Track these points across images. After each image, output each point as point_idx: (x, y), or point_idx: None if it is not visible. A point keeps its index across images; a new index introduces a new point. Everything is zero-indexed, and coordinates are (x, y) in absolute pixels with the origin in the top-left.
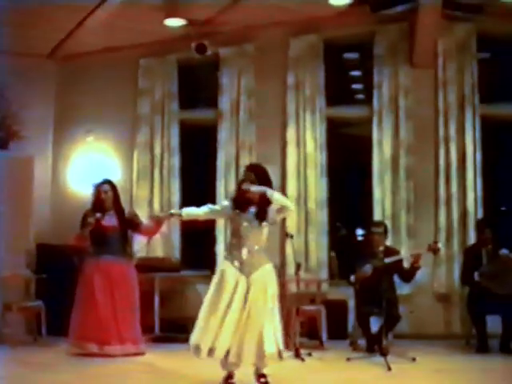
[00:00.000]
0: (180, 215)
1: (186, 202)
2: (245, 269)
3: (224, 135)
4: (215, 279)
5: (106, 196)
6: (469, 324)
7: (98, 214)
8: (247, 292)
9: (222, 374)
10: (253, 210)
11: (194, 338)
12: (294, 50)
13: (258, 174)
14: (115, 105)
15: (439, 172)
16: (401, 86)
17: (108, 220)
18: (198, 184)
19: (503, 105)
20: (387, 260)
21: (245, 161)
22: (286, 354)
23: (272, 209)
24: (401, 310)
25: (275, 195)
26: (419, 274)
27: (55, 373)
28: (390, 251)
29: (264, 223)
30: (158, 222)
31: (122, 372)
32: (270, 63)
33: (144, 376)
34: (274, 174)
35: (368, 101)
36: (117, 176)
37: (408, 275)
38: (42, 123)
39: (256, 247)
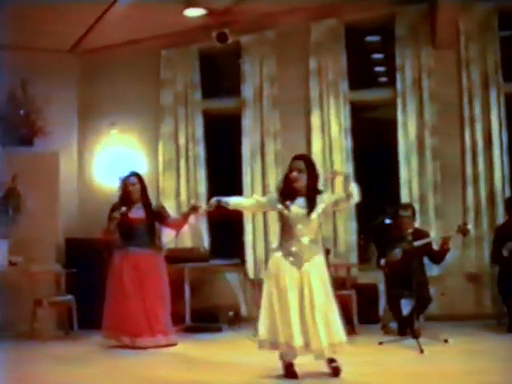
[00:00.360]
0: (227, 204)
1: (212, 191)
2: (296, 261)
3: (248, 123)
4: (269, 274)
5: (134, 188)
6: (500, 304)
7: (124, 208)
8: (303, 283)
9: (255, 361)
10: (302, 199)
11: (264, 334)
12: (315, 35)
13: (308, 162)
14: (138, 96)
15: (465, 152)
16: (423, 68)
17: (135, 212)
18: (223, 173)
19: None
20: (416, 243)
21: (269, 148)
22: None
23: (323, 198)
24: (431, 292)
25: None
26: (449, 255)
27: (87, 366)
28: (420, 233)
29: (314, 213)
30: (184, 215)
31: (154, 363)
32: (291, 49)
33: (176, 366)
34: None
35: (391, 83)
36: (142, 168)
37: (438, 257)
38: (65, 118)
39: (307, 238)
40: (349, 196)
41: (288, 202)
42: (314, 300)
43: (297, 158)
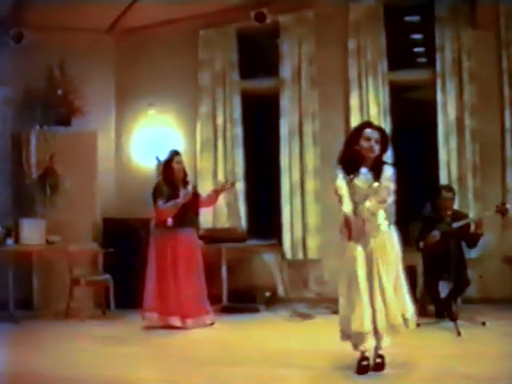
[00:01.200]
0: None
1: (250, 172)
2: (362, 239)
3: (286, 103)
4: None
5: (179, 167)
6: None
7: (190, 187)
8: (370, 262)
9: (289, 344)
10: (365, 169)
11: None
12: (354, 15)
13: (383, 134)
14: (176, 77)
15: (505, 133)
16: (463, 48)
17: (182, 192)
18: (261, 153)
19: None
20: (455, 224)
21: (308, 128)
22: None
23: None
24: (469, 275)
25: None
26: (487, 238)
27: (126, 345)
28: (458, 215)
29: (378, 184)
30: (216, 192)
31: (191, 343)
32: (330, 29)
33: (213, 346)
34: (338, 140)
35: (430, 64)
36: (180, 148)
37: (471, 241)
38: (103, 98)
39: (372, 211)
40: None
41: (353, 175)
42: (381, 279)
43: (372, 127)
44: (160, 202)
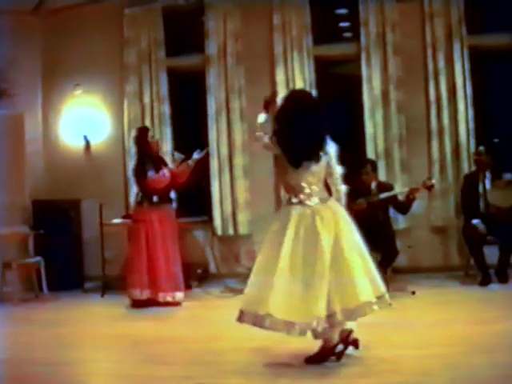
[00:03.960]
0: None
1: (178, 149)
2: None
3: (213, 80)
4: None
5: (155, 141)
6: (467, 255)
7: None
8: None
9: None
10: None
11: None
12: None
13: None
14: (102, 56)
15: (430, 105)
16: (387, 22)
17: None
18: (189, 130)
19: (490, 35)
20: (382, 195)
21: (235, 104)
22: None
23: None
24: (398, 245)
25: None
26: (415, 208)
27: (61, 327)
28: (384, 186)
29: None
30: (188, 165)
31: (126, 321)
32: (255, 5)
33: (149, 323)
34: None
35: (355, 38)
36: (108, 127)
37: (404, 207)
38: (30, 79)
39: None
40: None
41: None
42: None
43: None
44: (151, 173)
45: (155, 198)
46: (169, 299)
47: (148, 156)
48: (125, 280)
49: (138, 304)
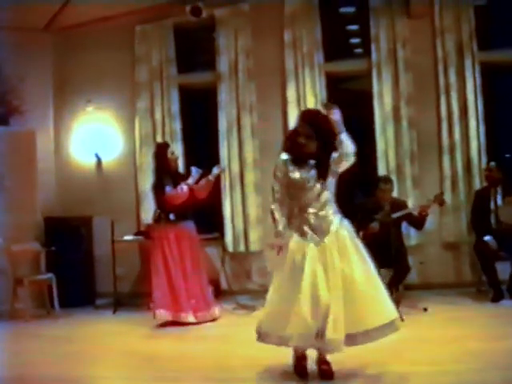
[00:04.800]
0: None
1: (190, 165)
2: (312, 237)
3: (224, 97)
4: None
5: (174, 158)
6: (478, 271)
7: (194, 168)
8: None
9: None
10: (311, 163)
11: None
12: (290, 7)
13: (316, 126)
14: (113, 73)
15: (441, 121)
16: (398, 37)
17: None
18: (200, 147)
19: (501, 51)
20: (395, 215)
21: (246, 121)
22: None
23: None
24: (410, 261)
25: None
26: (427, 225)
27: (72, 344)
28: (397, 203)
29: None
30: (208, 181)
31: (137, 339)
32: (266, 21)
33: (161, 340)
34: (275, 132)
35: (366, 54)
36: (119, 144)
37: (418, 223)
38: (41, 96)
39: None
40: (344, 155)
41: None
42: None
43: (304, 118)
44: (168, 188)
45: (172, 216)
46: (190, 319)
47: (166, 172)
48: (150, 299)
49: (164, 324)
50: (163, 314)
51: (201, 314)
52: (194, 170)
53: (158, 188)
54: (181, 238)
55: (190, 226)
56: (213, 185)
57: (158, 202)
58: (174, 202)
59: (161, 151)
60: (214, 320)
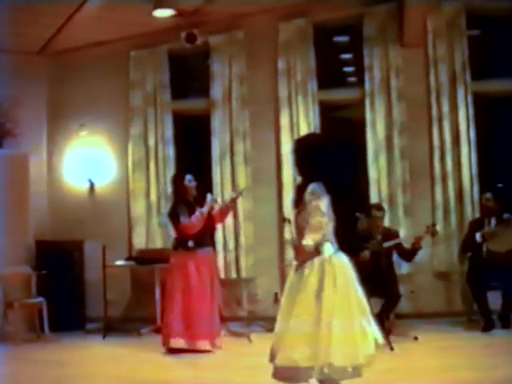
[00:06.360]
0: None
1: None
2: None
3: (217, 123)
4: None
5: (192, 186)
6: (469, 301)
7: (209, 196)
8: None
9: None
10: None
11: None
12: (284, 35)
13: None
14: (107, 98)
15: (434, 150)
16: (392, 67)
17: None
18: (193, 173)
19: (494, 81)
20: (386, 244)
21: (239, 148)
22: None
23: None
24: (401, 290)
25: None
26: (419, 253)
27: (62, 368)
28: (389, 233)
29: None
30: (226, 206)
31: (129, 363)
32: (260, 49)
33: (153, 366)
34: (268, 159)
35: (360, 83)
36: (112, 169)
37: (409, 256)
38: (35, 120)
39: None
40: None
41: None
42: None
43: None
44: (183, 218)
45: (191, 243)
46: (207, 347)
47: (182, 201)
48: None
49: (173, 351)
50: (179, 342)
51: (216, 341)
52: (208, 196)
53: (173, 217)
54: (200, 266)
55: (208, 252)
56: (228, 211)
57: (174, 230)
58: (189, 231)
59: (178, 178)
60: (220, 348)
